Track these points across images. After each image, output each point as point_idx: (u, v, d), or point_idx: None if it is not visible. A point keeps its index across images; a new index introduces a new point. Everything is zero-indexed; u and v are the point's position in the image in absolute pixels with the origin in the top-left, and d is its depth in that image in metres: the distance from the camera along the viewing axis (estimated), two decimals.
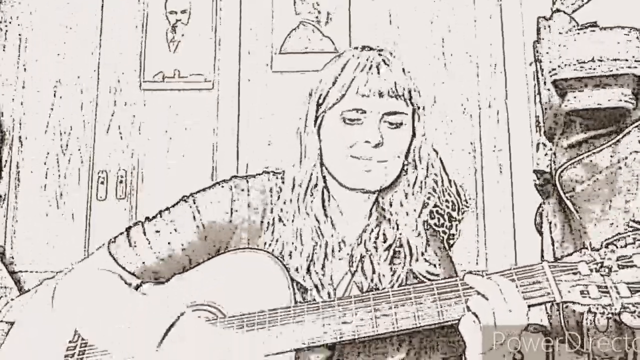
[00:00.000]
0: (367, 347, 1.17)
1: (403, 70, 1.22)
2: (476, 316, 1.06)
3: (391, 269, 1.23)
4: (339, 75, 1.20)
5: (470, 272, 1.11)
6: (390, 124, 1.19)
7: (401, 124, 1.20)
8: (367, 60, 1.21)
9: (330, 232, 1.22)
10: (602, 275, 1.05)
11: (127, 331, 1.14)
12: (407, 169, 1.24)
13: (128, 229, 1.26)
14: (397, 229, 1.25)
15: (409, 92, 1.21)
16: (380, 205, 1.27)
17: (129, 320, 1.15)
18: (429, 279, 1.24)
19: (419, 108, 1.23)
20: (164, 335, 1.11)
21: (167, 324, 1.11)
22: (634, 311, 1.01)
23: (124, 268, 1.21)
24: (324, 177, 1.24)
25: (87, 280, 1.22)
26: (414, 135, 1.24)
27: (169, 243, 1.22)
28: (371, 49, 1.25)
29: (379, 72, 1.19)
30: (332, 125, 1.21)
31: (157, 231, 1.23)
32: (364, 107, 1.18)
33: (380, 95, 1.18)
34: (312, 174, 1.23)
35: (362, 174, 1.19)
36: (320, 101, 1.22)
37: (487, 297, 1.05)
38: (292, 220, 1.22)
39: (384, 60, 1.21)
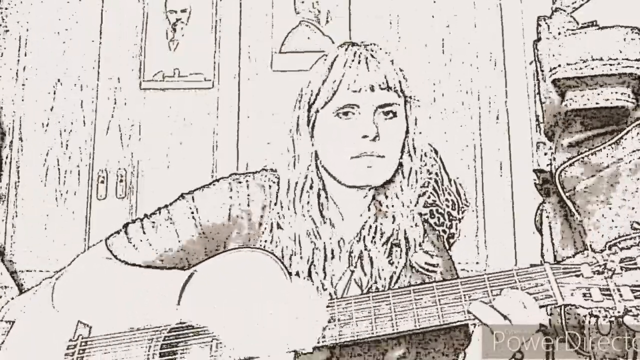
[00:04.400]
0: (366, 345, 1.17)
1: (391, 62, 1.22)
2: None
3: (389, 262, 1.23)
4: (328, 73, 1.20)
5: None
6: (385, 113, 1.19)
7: (395, 114, 1.20)
8: (355, 55, 1.21)
9: (329, 234, 1.22)
10: (605, 277, 1.05)
11: (141, 301, 1.15)
12: (401, 161, 1.24)
13: (126, 226, 1.26)
14: (394, 221, 1.25)
15: (399, 83, 1.21)
16: (376, 199, 1.27)
17: (139, 291, 1.16)
18: (428, 270, 1.24)
19: (410, 98, 1.24)
20: (182, 291, 1.11)
21: (182, 279, 1.12)
22: (637, 314, 1.00)
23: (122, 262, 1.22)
24: (320, 177, 1.24)
25: (87, 270, 1.22)
26: (407, 126, 1.24)
27: (167, 241, 1.22)
28: (356, 44, 1.25)
29: (368, 67, 1.19)
30: (326, 124, 1.21)
31: (156, 228, 1.23)
32: (356, 102, 1.18)
33: (372, 89, 1.18)
34: (307, 176, 1.23)
35: (365, 171, 1.19)
36: (312, 101, 1.22)
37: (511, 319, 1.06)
38: (290, 224, 1.22)
39: (371, 54, 1.21)
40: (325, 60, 1.23)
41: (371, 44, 1.25)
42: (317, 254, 1.21)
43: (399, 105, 1.21)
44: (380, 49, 1.24)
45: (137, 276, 1.18)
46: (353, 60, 1.20)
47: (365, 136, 1.17)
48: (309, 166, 1.23)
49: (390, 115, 1.20)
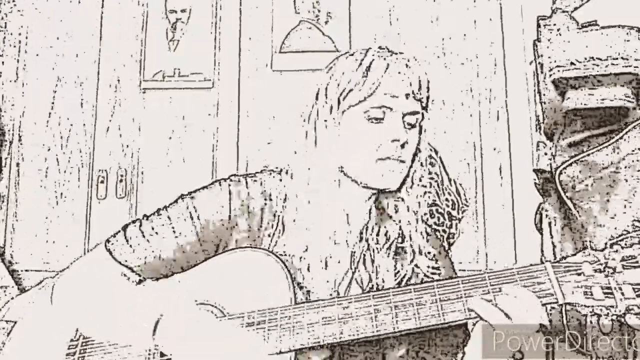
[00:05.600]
0: (367, 344, 1.16)
1: (426, 75, 1.24)
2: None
3: (394, 265, 1.23)
4: (366, 73, 1.21)
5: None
6: (408, 124, 1.21)
7: (415, 124, 1.22)
8: (396, 62, 1.22)
9: (334, 231, 1.22)
10: (606, 276, 1.04)
11: (126, 322, 1.16)
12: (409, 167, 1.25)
13: (125, 227, 1.26)
14: (399, 226, 1.25)
15: (427, 97, 1.23)
16: (380, 202, 1.28)
17: (127, 311, 1.17)
18: (431, 275, 1.24)
19: (425, 109, 1.25)
20: (156, 323, 1.12)
21: (159, 312, 1.14)
22: (639, 313, 1.00)
23: (121, 264, 1.22)
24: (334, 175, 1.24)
25: (86, 277, 1.23)
26: (419, 135, 1.25)
27: (166, 242, 1.22)
28: (393, 52, 1.26)
29: (407, 75, 1.21)
30: (355, 123, 1.21)
31: (155, 230, 1.23)
32: (391, 106, 1.19)
33: (407, 96, 1.19)
34: (328, 172, 1.22)
35: (387, 174, 1.20)
36: (341, 99, 1.22)
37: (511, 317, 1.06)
38: (296, 221, 1.21)
39: (407, 64, 1.22)
40: (360, 59, 1.23)
41: (403, 53, 1.26)
42: (322, 252, 1.20)
43: (420, 114, 1.23)
44: (416, 60, 1.25)
45: (126, 292, 1.20)
46: (394, 67, 1.21)
47: (395, 140, 1.18)
48: (332, 162, 1.23)
49: (412, 126, 1.21)
